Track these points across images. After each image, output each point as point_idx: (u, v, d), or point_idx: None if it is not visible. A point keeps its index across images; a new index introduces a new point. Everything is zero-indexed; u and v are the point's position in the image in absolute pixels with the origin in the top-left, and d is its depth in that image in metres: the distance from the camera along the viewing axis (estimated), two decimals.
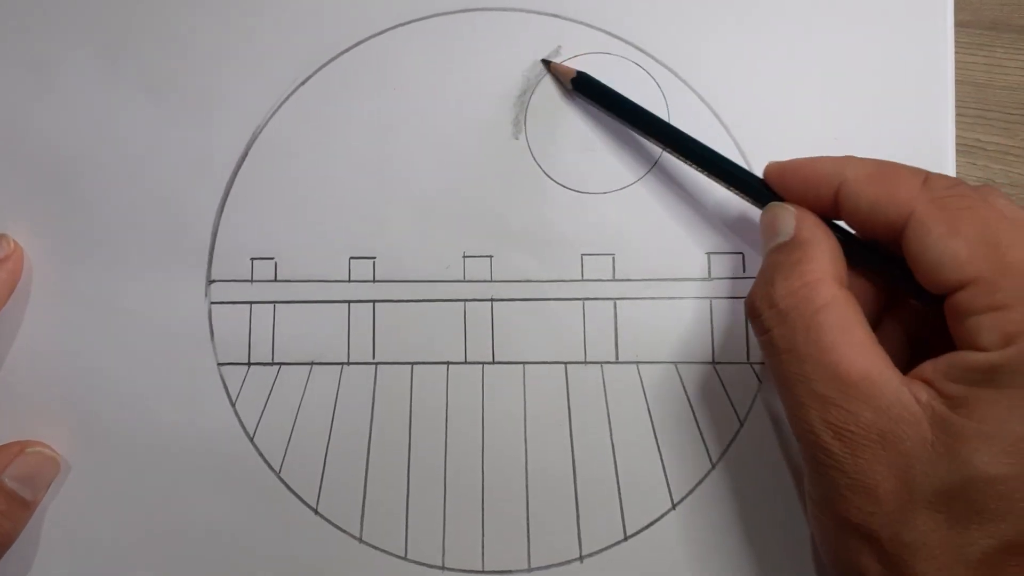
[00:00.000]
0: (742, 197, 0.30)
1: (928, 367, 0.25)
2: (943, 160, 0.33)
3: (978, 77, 0.35)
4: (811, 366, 0.25)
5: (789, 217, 0.28)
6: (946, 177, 0.27)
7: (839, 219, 0.28)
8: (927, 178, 0.26)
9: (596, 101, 0.32)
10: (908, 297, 0.29)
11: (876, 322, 0.29)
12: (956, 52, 0.33)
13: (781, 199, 0.29)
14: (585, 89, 0.32)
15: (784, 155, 0.32)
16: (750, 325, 0.29)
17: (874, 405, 0.24)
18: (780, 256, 0.27)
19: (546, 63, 0.33)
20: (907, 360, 0.27)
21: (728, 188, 0.30)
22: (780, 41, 0.33)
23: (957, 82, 0.33)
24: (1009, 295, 0.24)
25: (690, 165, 0.31)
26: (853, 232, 0.28)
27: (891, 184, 0.26)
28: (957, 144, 0.33)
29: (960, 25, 0.34)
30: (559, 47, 0.33)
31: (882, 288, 0.29)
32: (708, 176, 0.30)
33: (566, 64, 0.33)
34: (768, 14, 0.33)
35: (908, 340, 0.29)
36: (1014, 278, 0.24)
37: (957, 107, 0.33)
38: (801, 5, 0.33)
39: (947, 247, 0.25)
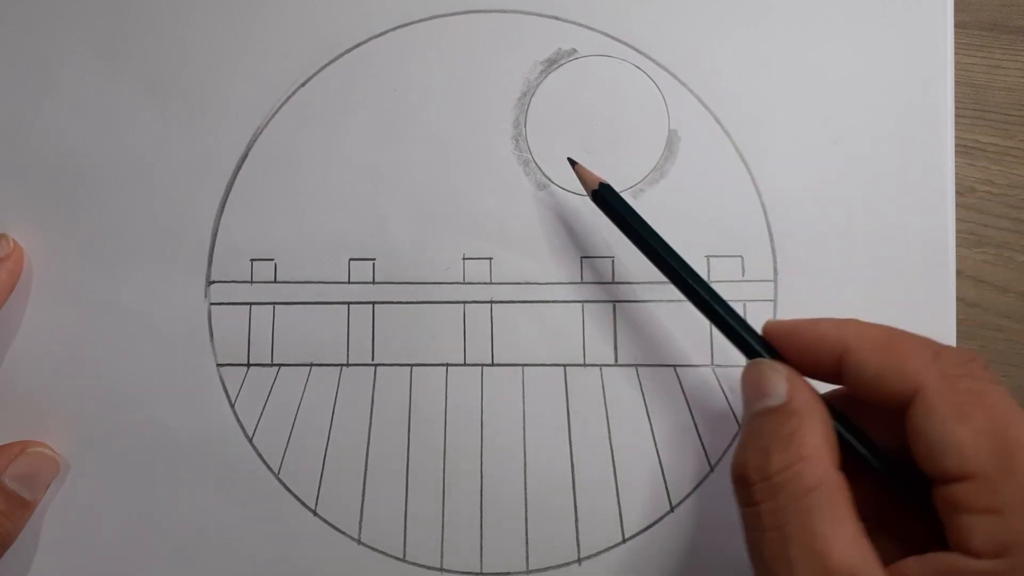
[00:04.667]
0: (736, 347, 0.28)
1: (913, 566, 0.23)
2: (942, 161, 0.33)
3: (977, 78, 0.35)
4: (798, 550, 0.23)
5: (780, 380, 0.26)
6: (958, 351, 0.25)
7: (839, 383, 0.26)
8: (938, 352, 0.25)
9: (609, 216, 0.30)
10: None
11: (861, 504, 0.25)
12: (955, 53, 0.33)
13: (775, 354, 0.27)
14: (602, 202, 0.30)
15: (784, 156, 0.33)
16: (734, 493, 0.26)
17: None
18: (771, 423, 0.25)
19: (572, 162, 0.31)
20: (891, 547, 0.25)
21: (725, 335, 0.28)
22: (780, 43, 0.33)
23: (956, 83, 0.33)
24: (1010, 499, 0.22)
25: (696, 307, 0.29)
26: (838, 411, 0.26)
27: (899, 355, 0.25)
28: (956, 145, 0.33)
29: (959, 26, 0.34)
30: (559, 49, 0.33)
31: (869, 475, 0.26)
32: (707, 319, 0.28)
33: (591, 172, 0.31)
34: (768, 16, 0.33)
35: (897, 535, 0.26)
36: (1018, 481, 0.22)
37: (956, 108, 0.33)
38: (801, 7, 0.33)
39: (952, 434, 0.23)
